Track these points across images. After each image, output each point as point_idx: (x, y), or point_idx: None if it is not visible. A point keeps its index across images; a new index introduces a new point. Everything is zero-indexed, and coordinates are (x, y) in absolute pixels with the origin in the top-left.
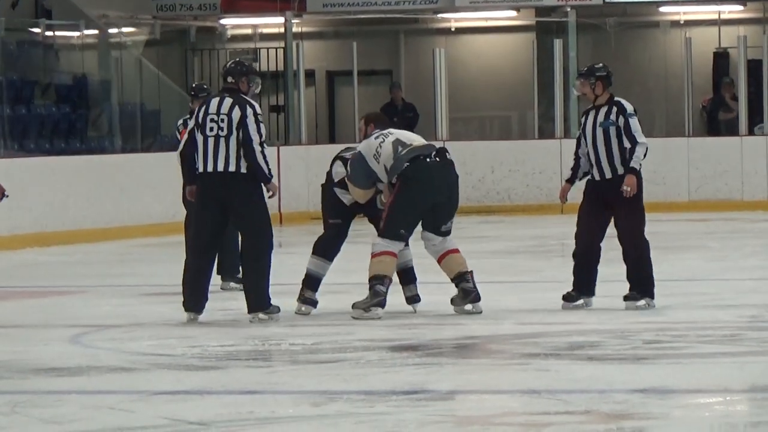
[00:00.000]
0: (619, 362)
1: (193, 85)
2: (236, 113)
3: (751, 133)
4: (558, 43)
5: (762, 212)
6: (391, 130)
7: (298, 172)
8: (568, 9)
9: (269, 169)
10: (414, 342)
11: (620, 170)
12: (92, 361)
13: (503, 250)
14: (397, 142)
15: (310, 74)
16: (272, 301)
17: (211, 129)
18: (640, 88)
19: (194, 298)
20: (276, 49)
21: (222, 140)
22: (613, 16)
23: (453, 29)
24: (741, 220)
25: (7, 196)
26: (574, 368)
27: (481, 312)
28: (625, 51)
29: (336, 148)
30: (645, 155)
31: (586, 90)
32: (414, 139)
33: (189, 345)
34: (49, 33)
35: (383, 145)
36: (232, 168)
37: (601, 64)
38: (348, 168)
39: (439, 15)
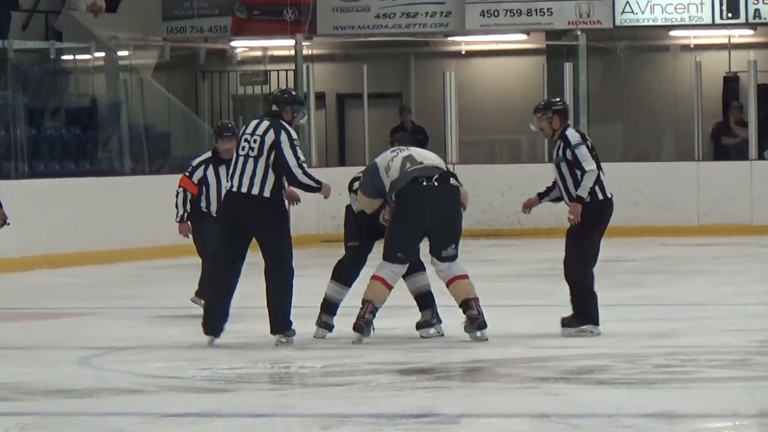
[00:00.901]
0: (628, 386)
1: (218, 124)
2: (270, 136)
3: (760, 157)
4: (568, 67)
5: None
6: (411, 147)
7: (308, 195)
8: (579, 33)
9: (316, 180)
10: (424, 365)
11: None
12: (102, 383)
13: (513, 273)
14: (408, 158)
15: (320, 97)
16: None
17: (243, 148)
18: (649, 111)
19: (211, 320)
20: (286, 71)
21: (251, 160)
22: (624, 40)
23: (463, 52)
24: (750, 244)
25: (8, 224)
26: (584, 392)
27: (486, 339)
28: (635, 75)
29: (346, 171)
30: (596, 182)
31: (543, 125)
32: (427, 158)
33: (199, 367)
34: (59, 55)
35: (395, 159)
36: (255, 191)
37: (558, 99)
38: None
39: (450, 38)
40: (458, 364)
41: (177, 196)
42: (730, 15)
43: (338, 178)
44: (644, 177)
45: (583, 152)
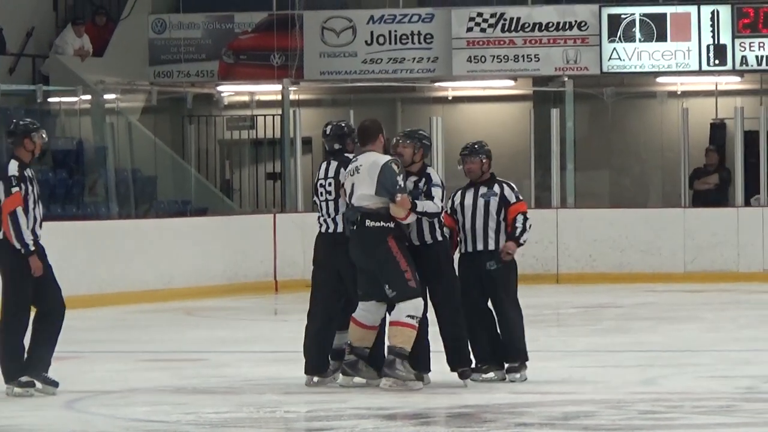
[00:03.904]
0: None
1: None
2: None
3: (747, 204)
4: (555, 113)
5: (758, 284)
6: (360, 167)
7: (294, 240)
8: (566, 79)
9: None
10: (408, 410)
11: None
12: (86, 427)
13: None
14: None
15: (306, 141)
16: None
17: (321, 194)
18: (636, 158)
19: (311, 360)
20: (273, 116)
21: (332, 203)
22: (611, 86)
23: (450, 98)
24: (736, 291)
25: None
26: None
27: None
28: (622, 121)
29: None
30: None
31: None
32: (355, 192)
33: (183, 411)
34: (46, 98)
35: (347, 182)
36: (339, 229)
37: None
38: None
39: (436, 84)
40: (443, 409)
41: None
42: (717, 62)
43: None
44: (631, 223)
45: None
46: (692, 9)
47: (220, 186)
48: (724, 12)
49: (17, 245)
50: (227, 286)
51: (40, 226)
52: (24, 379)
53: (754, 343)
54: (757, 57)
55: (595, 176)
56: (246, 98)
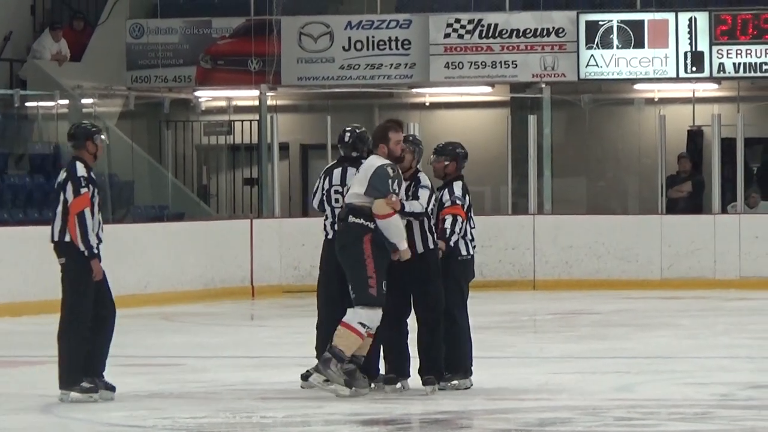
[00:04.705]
0: None
1: None
2: None
3: (724, 211)
4: (532, 119)
5: (734, 291)
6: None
7: (272, 246)
8: (543, 85)
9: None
10: (384, 416)
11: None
12: (64, 431)
13: (475, 325)
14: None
15: (284, 147)
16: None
17: (336, 200)
18: (613, 164)
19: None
20: (250, 121)
21: None
22: (588, 93)
23: (427, 104)
24: (713, 298)
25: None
26: None
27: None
28: (599, 128)
29: (309, 222)
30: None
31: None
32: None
33: (160, 416)
34: (23, 102)
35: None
36: None
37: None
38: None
39: (414, 90)
40: (418, 415)
41: None
42: (694, 69)
43: (301, 228)
44: (608, 230)
45: None
46: (670, 16)
47: (197, 191)
48: (702, 19)
49: (82, 247)
50: (204, 291)
51: (102, 231)
52: (86, 384)
53: (730, 350)
54: (734, 64)
55: (572, 183)
56: (223, 103)
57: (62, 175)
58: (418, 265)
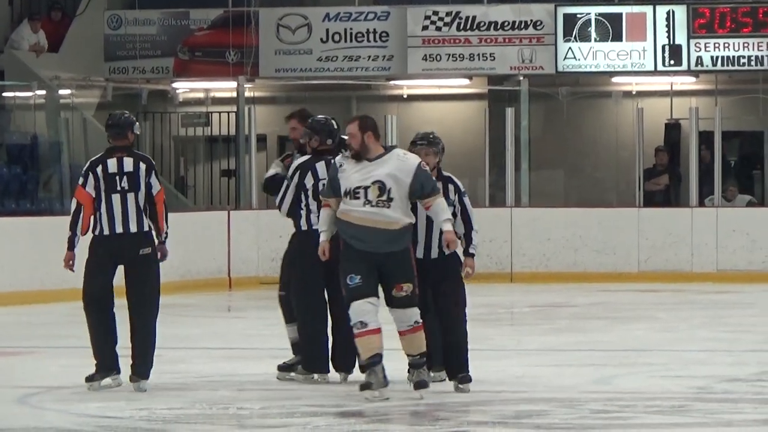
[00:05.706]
0: (566, 431)
1: None
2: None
3: (701, 204)
4: (510, 112)
5: (711, 284)
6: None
7: (249, 237)
8: (521, 78)
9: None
10: (361, 408)
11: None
12: (40, 422)
13: None
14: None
15: (261, 139)
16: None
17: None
18: (591, 157)
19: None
20: (228, 113)
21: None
22: (566, 86)
23: (405, 96)
24: (690, 291)
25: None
26: None
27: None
28: (577, 121)
29: None
30: None
31: (430, 159)
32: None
33: (136, 407)
34: (1, 93)
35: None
36: None
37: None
38: None
39: (392, 82)
40: (396, 407)
41: None
42: (672, 62)
43: (278, 220)
44: (585, 222)
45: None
46: (648, 9)
47: (174, 183)
48: (680, 12)
49: (165, 233)
50: (180, 282)
51: None
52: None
53: (707, 343)
54: (712, 57)
55: (549, 175)
56: (201, 95)
57: (132, 164)
58: (443, 269)
